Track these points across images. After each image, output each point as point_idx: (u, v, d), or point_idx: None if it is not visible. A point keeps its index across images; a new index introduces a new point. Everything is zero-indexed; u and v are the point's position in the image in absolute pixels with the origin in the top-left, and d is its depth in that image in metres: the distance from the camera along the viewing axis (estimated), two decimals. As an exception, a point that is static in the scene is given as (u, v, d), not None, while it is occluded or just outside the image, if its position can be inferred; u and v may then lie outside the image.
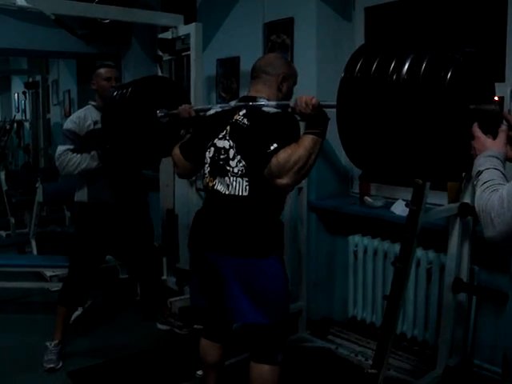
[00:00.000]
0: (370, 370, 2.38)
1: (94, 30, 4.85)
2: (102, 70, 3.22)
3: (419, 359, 3.07)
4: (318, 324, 3.54)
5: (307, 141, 1.99)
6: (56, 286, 4.36)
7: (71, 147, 3.07)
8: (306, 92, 3.45)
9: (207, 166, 2.19)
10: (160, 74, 3.85)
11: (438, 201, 2.92)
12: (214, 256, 2.12)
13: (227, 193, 2.09)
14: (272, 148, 1.97)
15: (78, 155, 3.07)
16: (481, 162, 1.35)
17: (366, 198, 3.30)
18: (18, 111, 11.03)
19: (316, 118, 2.01)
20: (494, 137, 1.41)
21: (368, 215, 3.21)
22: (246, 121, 2.09)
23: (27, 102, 9.39)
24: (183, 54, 3.70)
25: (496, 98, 1.52)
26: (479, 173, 1.33)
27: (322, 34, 3.46)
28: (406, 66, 1.44)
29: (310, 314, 3.53)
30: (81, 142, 3.11)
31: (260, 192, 2.06)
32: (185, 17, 3.69)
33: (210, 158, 2.17)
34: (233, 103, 2.22)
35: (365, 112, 1.53)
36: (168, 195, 4.10)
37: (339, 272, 3.59)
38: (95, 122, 3.14)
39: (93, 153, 3.08)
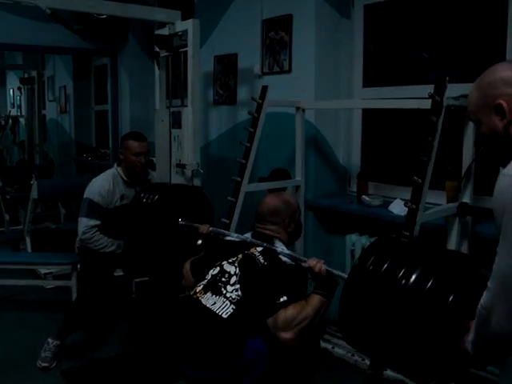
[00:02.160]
0: (367, 371, 2.37)
1: (90, 26, 4.82)
2: (133, 144, 3.17)
3: (416, 359, 3.06)
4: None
5: (315, 301, 2.05)
6: (50, 284, 4.34)
7: (98, 223, 3.06)
8: (303, 87, 3.47)
9: (206, 280, 2.22)
10: (157, 70, 3.81)
11: (437, 200, 2.90)
12: (188, 370, 2.11)
13: (207, 306, 2.10)
14: (281, 300, 2.03)
15: (105, 238, 3.09)
16: (468, 341, 1.46)
17: (364, 196, 3.28)
18: (14, 107, 10.96)
19: (325, 281, 2.09)
20: None
21: (365, 214, 3.19)
22: (261, 259, 2.17)
23: (22, 97, 9.33)
24: (180, 50, 3.66)
25: None
26: (471, 342, 1.44)
27: (321, 31, 3.44)
28: (413, 278, 1.61)
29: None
30: (106, 215, 3.10)
31: (238, 322, 2.06)
32: (182, 13, 3.66)
33: (212, 275, 2.22)
34: (249, 238, 2.32)
35: (368, 300, 1.70)
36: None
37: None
38: (122, 197, 3.16)
39: (120, 242, 3.11)
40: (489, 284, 1.33)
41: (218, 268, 2.22)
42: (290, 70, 3.57)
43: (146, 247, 2.93)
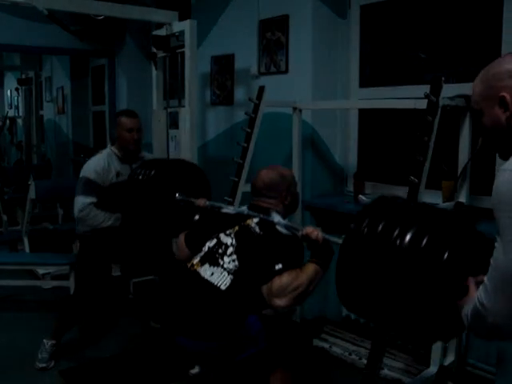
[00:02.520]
0: (364, 371, 2.38)
1: (87, 26, 4.83)
2: (125, 120, 3.18)
3: (413, 358, 3.06)
4: (311, 323, 3.53)
5: (310, 269, 2.07)
6: (48, 284, 4.35)
7: (94, 200, 3.05)
8: (300, 88, 3.48)
9: (203, 252, 2.24)
10: (154, 71, 3.82)
11: (433, 200, 2.90)
12: (184, 340, 2.12)
13: (206, 278, 2.13)
14: (277, 268, 2.04)
15: (103, 213, 3.06)
16: (464, 310, 1.43)
17: (361, 196, 3.29)
18: (11, 108, 10.95)
19: (321, 249, 2.10)
20: None
21: (362, 214, 3.20)
22: (257, 229, 2.18)
23: (20, 98, 9.32)
24: (178, 51, 3.67)
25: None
26: (466, 314, 1.41)
27: (317, 31, 3.45)
28: (408, 237, 1.59)
29: (303, 313, 3.52)
30: (102, 193, 3.09)
31: (237, 293, 2.09)
32: (179, 13, 3.67)
33: (209, 246, 2.24)
34: (245, 210, 2.33)
35: (364, 263, 1.68)
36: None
37: (333, 270, 3.57)
38: (118, 173, 3.15)
39: (117, 214, 3.08)
40: (485, 280, 1.32)
41: (215, 240, 2.23)
42: (286, 71, 3.58)
43: (143, 223, 2.94)
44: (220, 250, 2.18)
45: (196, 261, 2.22)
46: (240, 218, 2.27)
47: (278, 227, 2.19)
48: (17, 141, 9.34)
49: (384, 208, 1.82)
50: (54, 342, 3.16)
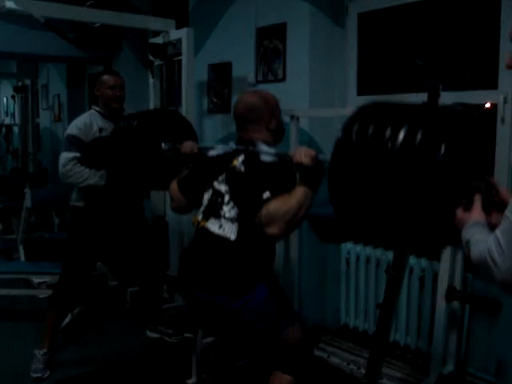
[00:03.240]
0: (363, 380, 2.36)
1: (84, 34, 4.82)
2: (107, 78, 3.19)
3: (412, 368, 3.05)
4: (309, 332, 3.50)
5: (299, 193, 1.97)
6: (44, 293, 4.31)
7: (77, 155, 3.02)
8: (298, 96, 3.47)
9: (204, 206, 2.21)
10: (151, 79, 3.82)
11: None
12: (203, 295, 2.13)
13: (216, 232, 2.11)
14: (265, 197, 1.98)
15: (87, 170, 3.02)
16: (466, 233, 1.38)
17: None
18: (7, 115, 10.94)
19: (311, 170, 1.99)
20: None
21: (360, 222, 3.18)
22: (242, 168, 2.13)
23: (16, 106, 9.31)
24: (175, 58, 3.68)
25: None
26: (468, 241, 1.35)
27: (315, 39, 3.45)
28: (401, 136, 1.48)
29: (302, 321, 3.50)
30: (86, 148, 3.06)
31: (248, 238, 2.07)
32: (177, 21, 3.67)
33: (207, 199, 2.21)
34: (232, 145, 2.25)
35: (357, 173, 1.58)
36: (159, 202, 4.07)
37: (331, 279, 3.56)
38: (100, 129, 3.12)
39: (102, 172, 3.04)
40: (498, 233, 1.24)
41: (211, 190, 2.19)
42: (284, 79, 3.58)
43: (129, 177, 2.93)
44: (219, 200, 2.14)
45: (200, 217, 2.19)
46: (227, 161, 2.19)
47: (265, 157, 2.10)
48: (13, 149, 9.32)
49: (374, 110, 1.68)
50: (45, 350, 3.13)
